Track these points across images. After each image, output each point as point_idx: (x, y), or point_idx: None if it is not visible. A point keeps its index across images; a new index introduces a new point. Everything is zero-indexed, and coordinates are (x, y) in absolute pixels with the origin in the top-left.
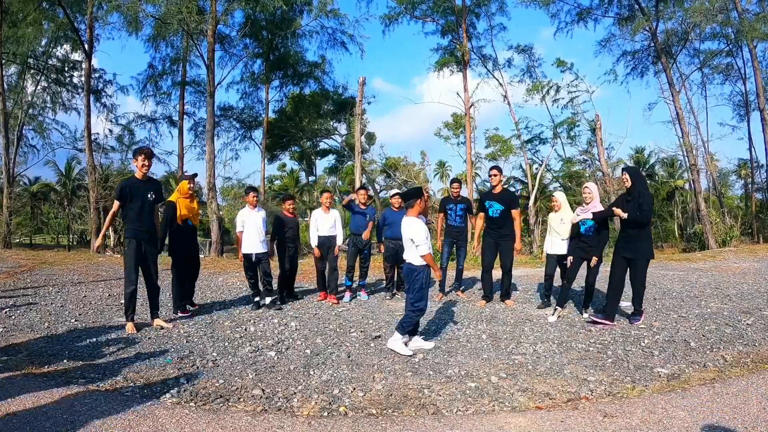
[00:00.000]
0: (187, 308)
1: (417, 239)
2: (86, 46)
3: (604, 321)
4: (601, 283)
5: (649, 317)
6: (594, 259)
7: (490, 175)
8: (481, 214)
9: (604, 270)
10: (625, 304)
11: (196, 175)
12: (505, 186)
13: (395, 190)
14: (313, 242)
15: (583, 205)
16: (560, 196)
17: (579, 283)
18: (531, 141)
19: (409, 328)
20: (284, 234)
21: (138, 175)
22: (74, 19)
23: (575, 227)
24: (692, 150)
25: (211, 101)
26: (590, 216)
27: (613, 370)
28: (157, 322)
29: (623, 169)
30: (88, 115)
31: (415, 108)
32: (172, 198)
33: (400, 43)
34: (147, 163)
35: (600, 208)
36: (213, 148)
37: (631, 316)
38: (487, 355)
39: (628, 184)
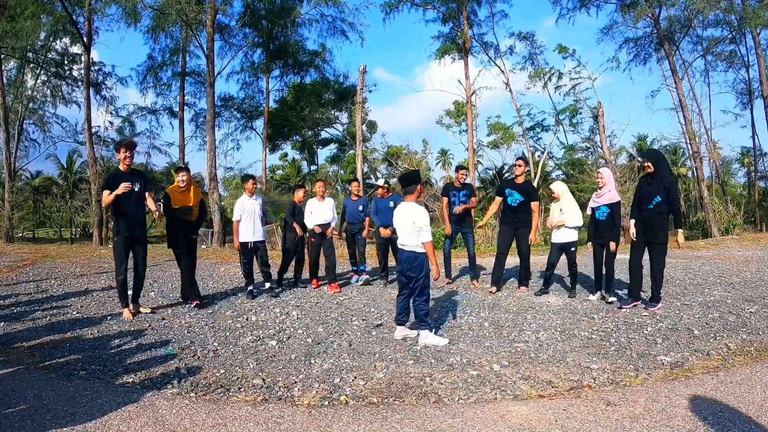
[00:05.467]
0: (190, 301)
1: (419, 222)
2: (85, 39)
3: (631, 304)
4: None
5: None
6: (612, 245)
7: (515, 165)
8: (498, 200)
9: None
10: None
11: (183, 168)
12: (527, 178)
13: (380, 182)
14: (309, 225)
15: (597, 190)
16: (557, 187)
17: (587, 269)
18: (533, 128)
19: (427, 318)
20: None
21: (122, 167)
22: (73, 12)
23: (591, 214)
24: (695, 137)
25: (212, 92)
26: (604, 202)
27: (616, 358)
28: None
29: (643, 155)
30: (88, 108)
31: (417, 97)
32: (168, 189)
33: (401, 33)
34: (129, 155)
35: (614, 192)
36: (214, 139)
37: (648, 302)
38: (489, 343)
39: (651, 170)
